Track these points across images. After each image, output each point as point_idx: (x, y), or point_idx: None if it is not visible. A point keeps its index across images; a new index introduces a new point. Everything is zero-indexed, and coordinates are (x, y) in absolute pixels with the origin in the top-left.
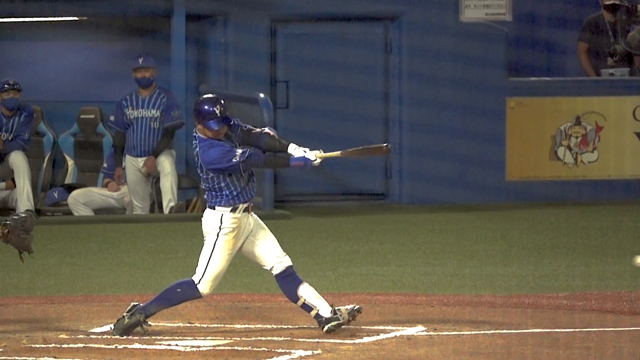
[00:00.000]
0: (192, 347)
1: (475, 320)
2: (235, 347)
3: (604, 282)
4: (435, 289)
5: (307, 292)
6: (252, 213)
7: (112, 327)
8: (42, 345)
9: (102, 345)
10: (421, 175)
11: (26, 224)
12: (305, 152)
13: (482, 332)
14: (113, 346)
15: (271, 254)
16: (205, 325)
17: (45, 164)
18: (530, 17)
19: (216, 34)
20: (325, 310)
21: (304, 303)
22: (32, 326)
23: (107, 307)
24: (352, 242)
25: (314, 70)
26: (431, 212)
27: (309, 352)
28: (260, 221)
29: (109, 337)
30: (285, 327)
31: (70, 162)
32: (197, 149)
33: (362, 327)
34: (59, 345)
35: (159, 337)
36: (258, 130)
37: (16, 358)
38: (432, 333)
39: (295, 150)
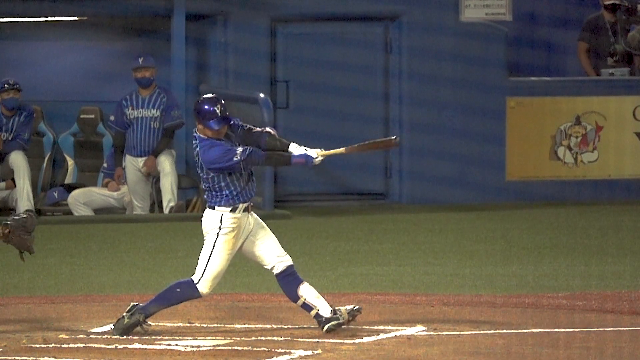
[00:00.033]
0: (192, 347)
1: (475, 320)
2: (235, 347)
3: (604, 282)
4: (435, 288)
5: (307, 292)
6: (252, 213)
7: (112, 327)
8: (42, 345)
9: (102, 345)
10: (421, 175)
11: (27, 224)
12: (306, 150)
13: (482, 332)
14: (113, 346)
15: (272, 254)
16: (205, 325)
17: (45, 164)
18: (530, 17)
19: (216, 34)
20: (325, 310)
21: (304, 302)
22: (32, 326)
23: (107, 307)
24: (352, 242)
25: (314, 70)
26: (431, 212)
27: (309, 352)
28: (261, 221)
29: (109, 337)
30: (285, 327)
31: (70, 162)
32: (198, 148)
33: (362, 327)
34: (59, 345)
35: (159, 337)
36: (258, 129)
37: (16, 358)
38: (432, 333)
39: (296, 149)
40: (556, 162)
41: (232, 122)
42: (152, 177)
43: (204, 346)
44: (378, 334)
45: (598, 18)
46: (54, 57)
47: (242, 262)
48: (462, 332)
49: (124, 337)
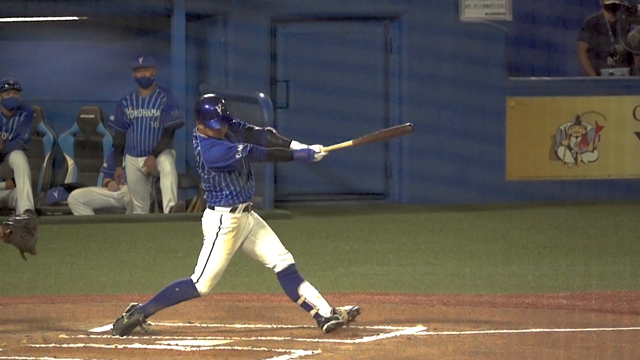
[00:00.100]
0: (192, 346)
1: (475, 320)
2: (235, 347)
3: (604, 282)
4: (435, 288)
5: (307, 291)
6: (253, 212)
7: (112, 327)
8: (42, 345)
9: (102, 345)
10: (421, 175)
11: (29, 226)
12: (308, 147)
13: (482, 332)
14: (113, 346)
15: (273, 252)
16: (205, 325)
17: (45, 164)
18: (530, 17)
19: (216, 33)
20: (324, 310)
21: (304, 302)
22: (32, 326)
23: (107, 307)
24: (352, 242)
25: (314, 70)
26: (431, 212)
27: (309, 352)
28: (261, 220)
29: (109, 337)
30: (285, 326)
31: (70, 162)
32: (199, 148)
33: (362, 327)
34: (59, 345)
35: (159, 337)
36: (259, 128)
37: (16, 358)
38: (432, 333)
39: (298, 146)
40: (556, 162)
41: (232, 122)
42: (152, 177)
43: (204, 346)
44: (378, 334)
45: (598, 18)
46: (54, 57)
47: (242, 261)
48: (462, 332)
49: (124, 337)
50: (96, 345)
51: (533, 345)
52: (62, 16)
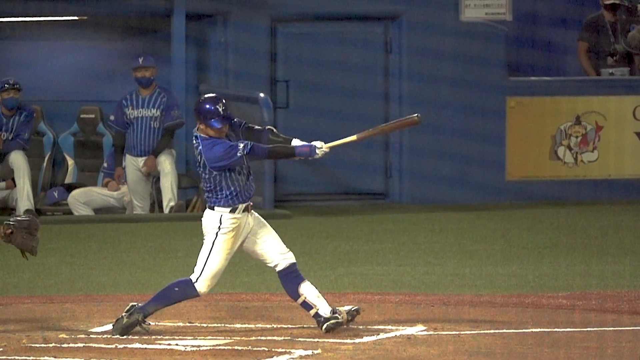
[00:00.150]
0: (192, 346)
1: (475, 320)
2: (235, 347)
3: (604, 281)
4: (435, 288)
5: (308, 291)
6: (253, 212)
7: (112, 327)
8: (42, 345)
9: (102, 345)
10: (421, 175)
11: (31, 227)
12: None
13: (482, 332)
14: (113, 346)
15: (274, 251)
16: (205, 325)
17: (45, 164)
18: (530, 17)
19: (216, 33)
20: (324, 310)
21: (304, 301)
22: (32, 326)
23: (107, 306)
24: (352, 242)
25: (314, 70)
26: (431, 212)
27: (309, 352)
28: (262, 219)
29: (109, 337)
30: (285, 326)
31: (70, 162)
32: (200, 147)
33: (362, 327)
34: (59, 345)
35: (159, 337)
36: (259, 127)
37: (16, 358)
38: (432, 333)
39: (299, 144)
40: (556, 161)
41: (233, 121)
42: (152, 177)
43: (204, 346)
44: (378, 334)
45: (598, 18)
46: (54, 57)
47: (242, 261)
48: (462, 332)
49: (124, 337)
50: (96, 345)
51: (533, 345)
52: (62, 16)
